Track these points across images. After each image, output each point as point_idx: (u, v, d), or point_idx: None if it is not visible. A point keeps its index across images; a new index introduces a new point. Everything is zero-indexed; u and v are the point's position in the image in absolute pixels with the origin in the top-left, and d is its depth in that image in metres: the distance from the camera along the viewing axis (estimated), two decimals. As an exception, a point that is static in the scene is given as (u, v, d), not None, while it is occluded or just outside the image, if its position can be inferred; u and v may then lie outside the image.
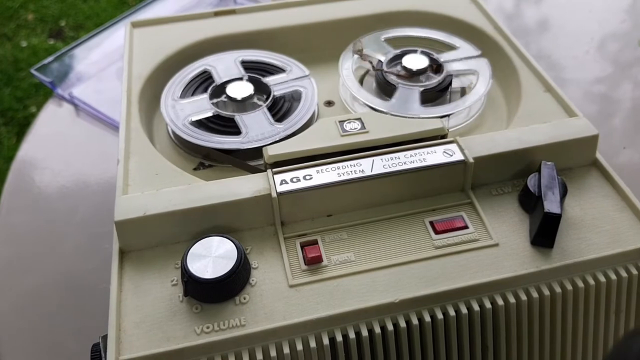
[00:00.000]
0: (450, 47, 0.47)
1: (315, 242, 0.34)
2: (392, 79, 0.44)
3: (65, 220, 0.54)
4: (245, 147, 0.39)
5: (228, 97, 0.43)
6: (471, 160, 0.36)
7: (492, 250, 0.34)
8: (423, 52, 0.46)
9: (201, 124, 0.41)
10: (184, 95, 0.44)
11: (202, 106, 0.42)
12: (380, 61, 0.46)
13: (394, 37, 0.48)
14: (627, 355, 0.21)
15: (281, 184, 0.35)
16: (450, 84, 0.44)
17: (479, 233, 0.34)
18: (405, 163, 0.36)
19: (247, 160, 0.40)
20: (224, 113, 0.41)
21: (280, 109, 0.43)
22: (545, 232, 0.33)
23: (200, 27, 0.50)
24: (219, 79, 0.44)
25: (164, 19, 0.51)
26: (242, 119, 0.41)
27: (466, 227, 0.35)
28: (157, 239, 0.34)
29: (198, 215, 0.34)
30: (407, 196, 0.36)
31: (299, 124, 0.41)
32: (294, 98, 0.44)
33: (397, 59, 0.46)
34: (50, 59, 0.71)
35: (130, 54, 0.47)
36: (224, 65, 0.45)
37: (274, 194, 0.34)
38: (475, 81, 0.44)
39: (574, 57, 0.69)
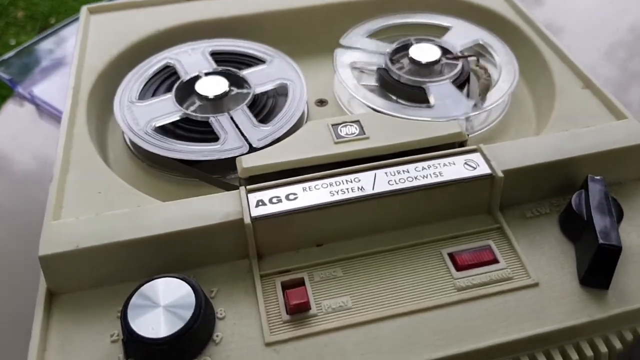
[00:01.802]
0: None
1: (301, 283, 0.26)
2: (409, 79, 0.36)
3: (18, 236, 0.46)
4: (226, 157, 0.31)
5: (198, 95, 0.35)
6: (500, 174, 0.28)
7: (531, 293, 0.26)
8: (428, 41, 0.38)
9: (167, 130, 0.34)
10: (143, 95, 0.36)
11: (167, 108, 0.34)
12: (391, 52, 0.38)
13: (395, 24, 0.41)
14: None
15: (257, 205, 0.27)
16: (468, 78, 0.37)
17: (512, 269, 0.27)
18: (416, 178, 0.28)
19: (225, 173, 0.32)
20: (195, 115, 0.34)
21: (264, 107, 0.35)
22: (599, 269, 0.26)
23: (169, 14, 0.42)
24: (184, 75, 0.36)
25: (126, 3, 0.43)
26: (218, 121, 0.33)
27: (496, 260, 0.27)
28: (95, 279, 0.26)
29: (148, 248, 0.26)
30: (419, 220, 0.29)
31: (286, 127, 0.33)
32: (279, 94, 0.36)
33: (400, 51, 0.38)
34: (11, 53, 0.63)
35: (83, 43, 0.39)
36: (191, 58, 0.38)
37: (247, 219, 0.26)
38: (498, 76, 0.37)
39: (597, 49, 0.61)
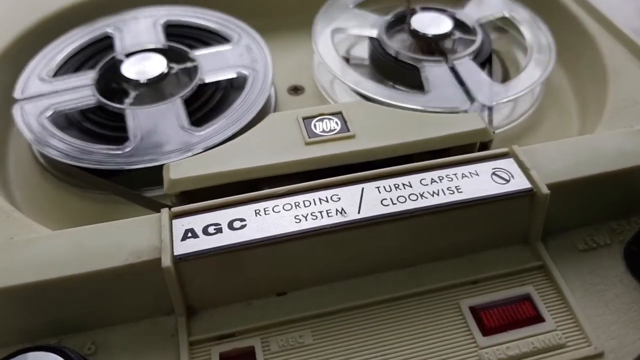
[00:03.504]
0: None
1: (249, 354, 0.17)
2: (407, 55, 0.27)
3: None
4: (123, 167, 0.23)
5: (123, 78, 0.26)
6: (545, 189, 0.19)
7: (595, 370, 0.17)
8: (435, 10, 0.29)
9: (71, 122, 0.25)
10: (65, 71, 0.27)
11: (79, 91, 0.26)
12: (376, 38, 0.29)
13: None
14: None
15: (185, 237, 0.18)
16: (490, 57, 0.28)
17: (564, 330, 0.19)
18: (422, 195, 0.19)
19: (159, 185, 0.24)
20: (111, 105, 0.25)
21: (207, 102, 0.26)
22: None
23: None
24: (121, 49, 0.28)
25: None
26: (134, 115, 0.24)
27: (539, 318, 0.19)
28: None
29: (19, 303, 0.17)
30: (426, 258, 0.20)
31: (241, 122, 0.24)
32: (233, 86, 0.27)
33: (399, 23, 0.29)
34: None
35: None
36: (137, 28, 0.29)
37: (166, 261, 0.17)
38: (529, 58, 0.28)
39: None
